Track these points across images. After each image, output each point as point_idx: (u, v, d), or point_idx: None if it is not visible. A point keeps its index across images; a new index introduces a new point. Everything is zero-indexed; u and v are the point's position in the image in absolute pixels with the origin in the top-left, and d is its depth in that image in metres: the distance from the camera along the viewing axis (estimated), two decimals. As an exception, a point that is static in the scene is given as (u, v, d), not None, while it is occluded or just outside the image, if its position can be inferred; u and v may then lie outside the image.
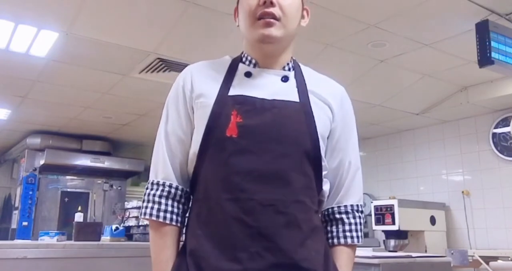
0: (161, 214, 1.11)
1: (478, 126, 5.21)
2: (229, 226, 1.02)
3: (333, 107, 1.18)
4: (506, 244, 4.73)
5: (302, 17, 1.21)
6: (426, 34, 3.47)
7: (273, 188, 1.04)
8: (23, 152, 6.54)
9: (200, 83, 1.15)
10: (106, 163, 6.59)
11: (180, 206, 1.14)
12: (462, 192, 5.23)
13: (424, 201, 5.28)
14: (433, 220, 5.08)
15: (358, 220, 1.18)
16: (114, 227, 3.59)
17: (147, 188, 1.16)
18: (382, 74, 4.19)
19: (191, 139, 1.14)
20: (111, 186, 6.85)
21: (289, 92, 1.14)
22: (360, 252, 3.43)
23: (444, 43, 3.59)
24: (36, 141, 6.33)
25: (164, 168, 1.14)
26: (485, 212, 5.03)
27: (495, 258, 3.99)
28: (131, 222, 3.79)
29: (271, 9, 1.10)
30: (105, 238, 3.54)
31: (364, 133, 6.19)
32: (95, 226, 3.64)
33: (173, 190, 1.13)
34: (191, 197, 1.16)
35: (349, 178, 1.19)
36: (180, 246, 1.15)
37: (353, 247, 1.18)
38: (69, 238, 3.55)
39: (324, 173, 1.14)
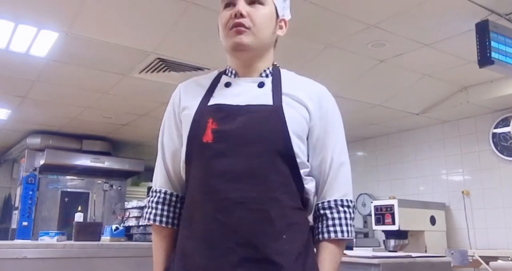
0: (157, 218, 1.25)
1: (478, 126, 5.21)
2: (208, 225, 1.11)
3: (309, 107, 1.22)
4: (506, 244, 4.73)
5: (280, 27, 1.29)
6: (426, 34, 3.47)
7: (247, 186, 1.11)
8: (23, 152, 6.54)
9: (185, 98, 1.27)
10: (106, 163, 6.59)
11: (177, 210, 1.26)
12: (462, 192, 5.23)
13: (424, 201, 5.28)
14: (433, 220, 5.09)
15: (342, 215, 1.19)
16: (114, 227, 3.59)
17: (148, 196, 1.31)
18: (382, 74, 4.19)
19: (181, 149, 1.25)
20: (111, 186, 6.85)
21: (264, 97, 1.20)
22: (360, 252, 3.43)
23: (444, 43, 3.59)
24: (36, 141, 6.33)
25: (160, 177, 1.28)
26: (485, 212, 5.03)
27: (495, 258, 3.99)
28: (131, 222, 3.79)
29: (241, 20, 1.20)
30: (105, 238, 3.54)
31: (364, 133, 6.19)
32: (95, 226, 3.64)
33: (167, 196, 1.27)
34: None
35: (331, 174, 1.21)
36: None
37: (337, 242, 1.18)
38: (69, 238, 3.55)
39: (304, 170, 1.18)
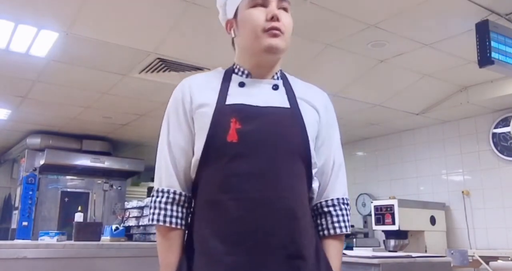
0: (168, 219, 1.20)
1: (478, 126, 5.21)
2: (232, 224, 1.12)
3: (319, 111, 1.29)
4: (506, 244, 4.73)
5: None
6: (426, 34, 3.47)
7: (270, 186, 1.14)
8: (23, 152, 6.54)
9: (199, 95, 1.24)
10: (106, 163, 6.59)
11: (184, 210, 1.23)
12: (462, 192, 5.23)
13: (424, 201, 5.28)
14: (433, 220, 5.09)
15: (344, 212, 1.29)
16: (114, 227, 3.59)
17: (153, 196, 1.24)
18: (382, 74, 4.19)
19: (192, 147, 1.22)
20: (111, 186, 6.84)
21: (280, 99, 1.25)
22: (360, 252, 3.43)
23: (444, 43, 3.59)
24: (36, 141, 6.33)
25: (167, 176, 1.22)
26: (485, 212, 5.03)
27: (495, 258, 3.99)
28: (131, 222, 3.78)
29: (278, 24, 1.22)
30: (105, 238, 3.54)
31: (364, 133, 6.19)
32: (95, 226, 3.64)
33: (177, 196, 1.22)
34: (194, 201, 1.25)
35: (333, 175, 1.30)
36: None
37: (341, 237, 1.28)
38: (69, 238, 3.55)
39: (314, 170, 1.25)
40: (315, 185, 1.25)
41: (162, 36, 3.43)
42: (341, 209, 1.28)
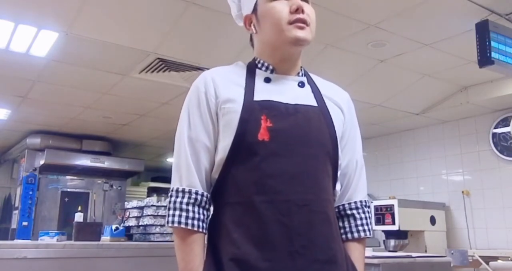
0: (190, 221, 1.11)
1: (478, 126, 5.21)
2: (267, 227, 1.06)
3: (344, 110, 1.26)
4: (506, 244, 4.73)
5: None
6: (426, 34, 3.47)
7: (306, 188, 1.10)
8: (23, 152, 6.54)
9: (224, 89, 1.16)
10: (106, 163, 6.59)
11: (205, 212, 1.15)
12: (462, 192, 5.23)
13: (424, 201, 5.28)
14: (433, 220, 5.09)
15: (367, 215, 1.27)
16: (114, 227, 3.59)
17: (171, 196, 1.15)
18: (382, 74, 4.19)
19: (215, 145, 1.15)
20: (111, 186, 6.85)
21: (307, 97, 1.20)
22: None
23: (444, 43, 3.59)
24: (36, 141, 6.33)
25: (188, 175, 1.13)
26: (485, 212, 5.03)
27: (495, 258, 3.99)
28: (131, 222, 3.78)
29: (304, 16, 1.17)
30: (105, 238, 3.53)
31: (364, 133, 6.14)
32: (95, 226, 3.64)
33: (199, 197, 1.13)
34: (216, 202, 1.17)
35: (356, 176, 1.27)
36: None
37: (364, 240, 1.27)
38: (69, 238, 3.55)
39: (338, 173, 1.22)
40: (338, 187, 1.22)
41: (162, 36, 3.43)
42: (364, 212, 1.26)
